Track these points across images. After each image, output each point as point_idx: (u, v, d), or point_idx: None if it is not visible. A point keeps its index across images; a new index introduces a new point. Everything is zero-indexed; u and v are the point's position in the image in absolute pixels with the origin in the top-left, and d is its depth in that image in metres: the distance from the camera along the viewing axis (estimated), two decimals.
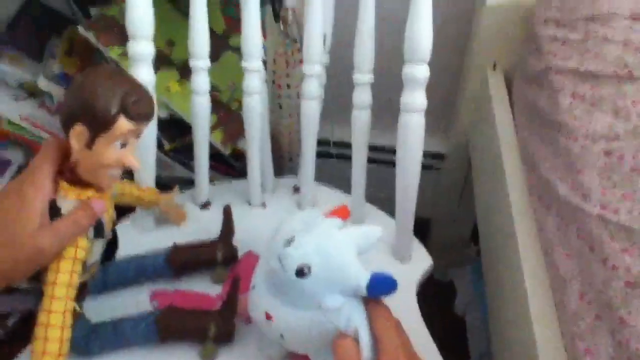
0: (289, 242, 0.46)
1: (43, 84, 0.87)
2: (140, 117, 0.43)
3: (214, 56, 0.68)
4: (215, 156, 0.77)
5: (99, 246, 0.49)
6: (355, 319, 0.45)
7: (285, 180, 0.79)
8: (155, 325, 0.53)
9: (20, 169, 0.94)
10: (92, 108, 0.41)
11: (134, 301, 0.59)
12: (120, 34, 0.78)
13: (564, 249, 0.55)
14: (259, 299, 0.49)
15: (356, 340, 0.44)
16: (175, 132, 0.80)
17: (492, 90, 0.93)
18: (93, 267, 0.50)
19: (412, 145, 0.59)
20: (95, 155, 0.43)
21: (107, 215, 0.49)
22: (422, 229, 0.69)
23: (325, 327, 0.45)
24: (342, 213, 0.52)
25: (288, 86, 0.79)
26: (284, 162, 0.87)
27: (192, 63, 0.66)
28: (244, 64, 0.66)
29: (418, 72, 0.57)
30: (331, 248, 0.46)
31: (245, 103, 0.67)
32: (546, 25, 0.77)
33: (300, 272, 0.44)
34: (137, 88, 0.44)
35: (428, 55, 0.56)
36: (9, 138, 0.89)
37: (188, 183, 0.76)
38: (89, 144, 0.43)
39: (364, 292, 0.44)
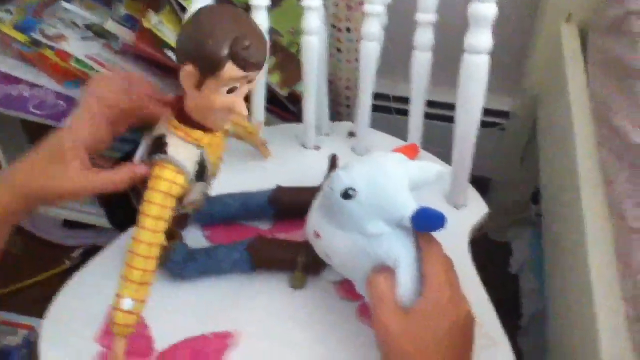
0: (344, 167, 0.47)
1: (110, 25, 0.89)
2: (249, 65, 0.40)
3: (276, 1, 0.67)
4: (272, 100, 0.77)
5: (201, 186, 0.49)
6: (398, 251, 0.44)
7: (340, 125, 0.78)
8: (247, 253, 0.55)
9: None
10: (202, 49, 0.39)
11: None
12: None
13: (634, 200, 0.51)
14: (311, 218, 0.51)
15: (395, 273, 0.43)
16: None
17: (566, 43, 0.87)
18: (195, 204, 0.51)
19: (474, 85, 0.57)
20: (203, 97, 0.42)
21: (214, 156, 0.48)
22: (482, 189, 0.67)
23: (367, 253, 0.45)
24: (410, 151, 0.51)
25: (348, 30, 0.77)
26: (341, 108, 0.86)
27: (253, 1, 0.66)
28: (304, 1, 0.65)
29: (485, 9, 0.54)
30: (380, 175, 0.46)
31: (304, 42, 0.66)
32: None
33: (346, 194, 0.45)
34: (251, 33, 0.41)
35: None
36: (77, 77, 0.92)
37: None
38: (198, 85, 0.41)
39: (408, 223, 0.43)
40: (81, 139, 0.45)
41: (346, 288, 0.54)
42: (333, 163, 0.65)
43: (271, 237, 0.60)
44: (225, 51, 0.39)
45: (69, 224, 1.23)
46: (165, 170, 0.44)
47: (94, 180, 0.45)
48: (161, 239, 0.44)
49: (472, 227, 0.60)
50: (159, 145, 0.45)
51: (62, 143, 0.44)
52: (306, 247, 0.54)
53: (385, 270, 0.44)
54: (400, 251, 0.44)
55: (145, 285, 0.44)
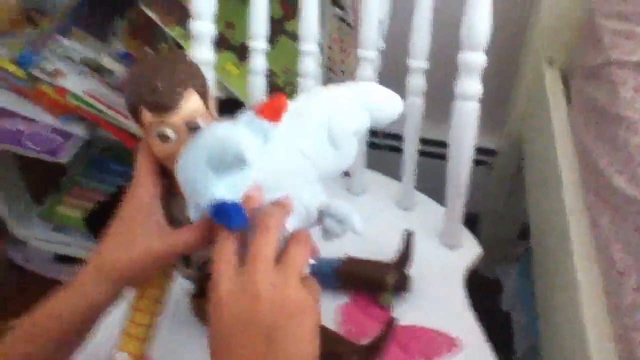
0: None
1: (107, 61, 0.90)
2: (153, 107, 0.39)
3: (270, 41, 0.69)
4: None
5: None
6: None
7: None
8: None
9: (87, 143, 0.98)
10: (125, 98, 0.41)
11: None
12: (180, 15, 0.81)
13: (619, 243, 0.53)
14: None
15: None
16: (230, 113, 0.82)
17: (548, 86, 0.91)
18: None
19: (465, 132, 0.59)
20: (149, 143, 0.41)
21: None
22: (470, 224, 0.69)
23: None
24: (271, 108, 0.38)
25: (343, 72, 0.79)
26: None
27: (251, 44, 0.67)
28: (300, 46, 0.67)
29: (474, 59, 0.56)
30: (188, 154, 0.38)
31: (300, 86, 0.68)
32: (608, 18, 0.74)
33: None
34: (165, 76, 0.39)
35: (485, 42, 0.56)
36: (73, 113, 0.93)
37: None
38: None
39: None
40: (153, 194, 0.42)
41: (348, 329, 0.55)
42: (408, 241, 0.60)
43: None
44: (134, 97, 0.39)
45: (61, 259, 1.21)
46: None
47: (177, 238, 0.41)
48: (162, 294, 0.45)
49: (467, 268, 0.62)
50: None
51: (140, 202, 0.41)
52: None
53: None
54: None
55: (143, 340, 0.44)
